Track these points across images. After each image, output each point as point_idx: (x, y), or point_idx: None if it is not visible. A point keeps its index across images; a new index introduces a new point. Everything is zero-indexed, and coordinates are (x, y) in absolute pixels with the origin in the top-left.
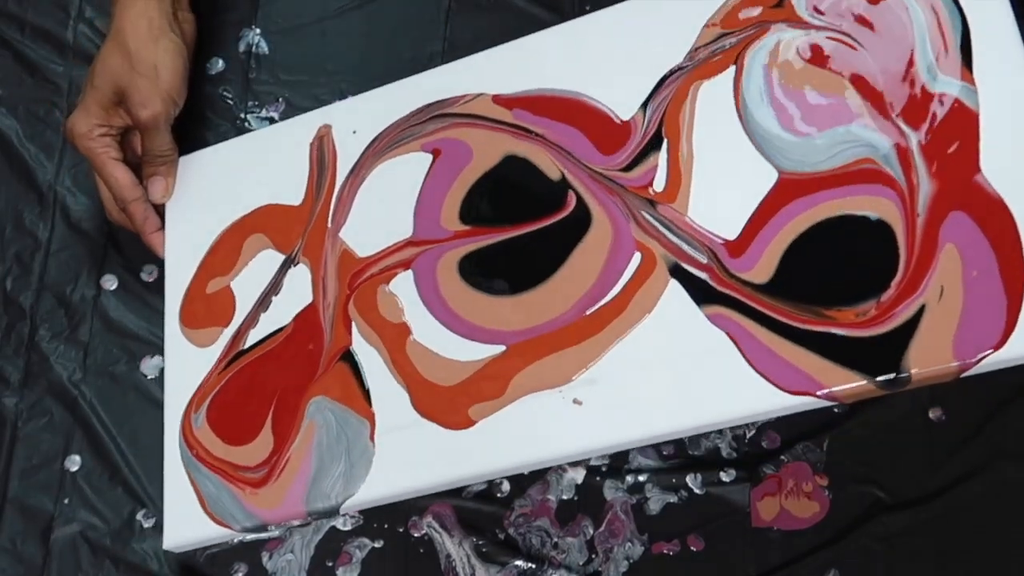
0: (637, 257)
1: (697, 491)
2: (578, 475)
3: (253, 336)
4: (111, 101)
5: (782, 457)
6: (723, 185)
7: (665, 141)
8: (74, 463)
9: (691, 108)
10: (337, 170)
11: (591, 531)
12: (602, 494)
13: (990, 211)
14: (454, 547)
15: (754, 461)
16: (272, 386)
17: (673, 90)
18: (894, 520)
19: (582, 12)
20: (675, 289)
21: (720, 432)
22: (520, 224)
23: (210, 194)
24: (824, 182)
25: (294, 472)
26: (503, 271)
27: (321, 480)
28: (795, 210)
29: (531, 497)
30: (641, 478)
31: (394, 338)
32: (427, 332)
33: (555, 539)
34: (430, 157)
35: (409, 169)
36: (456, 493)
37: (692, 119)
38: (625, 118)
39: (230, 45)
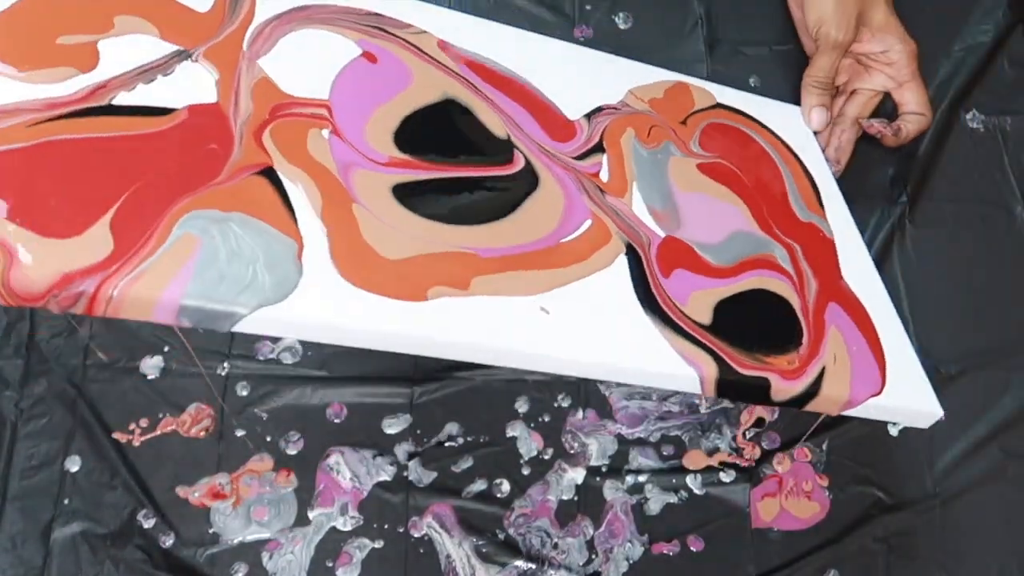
0: (588, 223)
1: (697, 491)
2: (578, 475)
3: (125, 99)
4: None
5: (782, 457)
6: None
7: (607, 151)
8: (74, 463)
9: (628, 142)
10: (256, 7)
11: (591, 531)
12: (602, 494)
13: (853, 306)
14: (454, 547)
15: (754, 461)
16: (131, 172)
17: (612, 118)
18: (894, 520)
19: (582, 12)
20: (626, 266)
21: (720, 432)
22: (463, 166)
23: None
24: (733, 271)
25: (168, 270)
26: (445, 207)
27: (207, 280)
28: (713, 284)
29: (531, 497)
30: (641, 478)
31: (331, 190)
32: (373, 206)
33: (555, 539)
34: (362, 59)
35: (342, 51)
36: (456, 493)
37: (630, 149)
38: (571, 118)
39: None
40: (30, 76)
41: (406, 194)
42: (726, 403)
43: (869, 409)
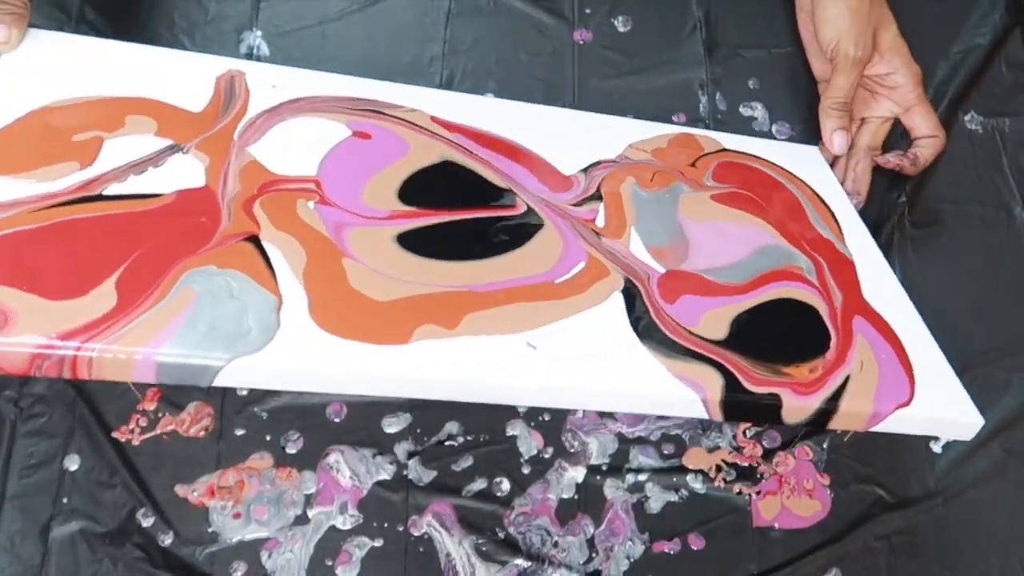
0: (583, 264)
1: (698, 490)
2: (578, 474)
3: (115, 189)
4: None
5: (783, 455)
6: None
7: (603, 199)
8: (73, 462)
9: (628, 187)
10: (249, 104)
11: (591, 530)
12: (603, 493)
13: (879, 321)
14: (454, 546)
15: (755, 460)
16: (129, 244)
17: (610, 170)
18: (895, 519)
19: (582, 15)
20: (621, 301)
21: (721, 431)
22: (468, 210)
23: (72, 73)
24: (752, 285)
25: (156, 326)
26: (449, 246)
27: (191, 335)
28: (729, 301)
29: (531, 496)
30: (642, 477)
31: (318, 248)
32: (371, 258)
33: (555, 538)
34: (353, 137)
35: (332, 133)
36: (456, 492)
37: (630, 195)
38: (567, 173)
39: (231, 47)
40: (29, 175)
41: (411, 240)
42: None
43: (901, 422)
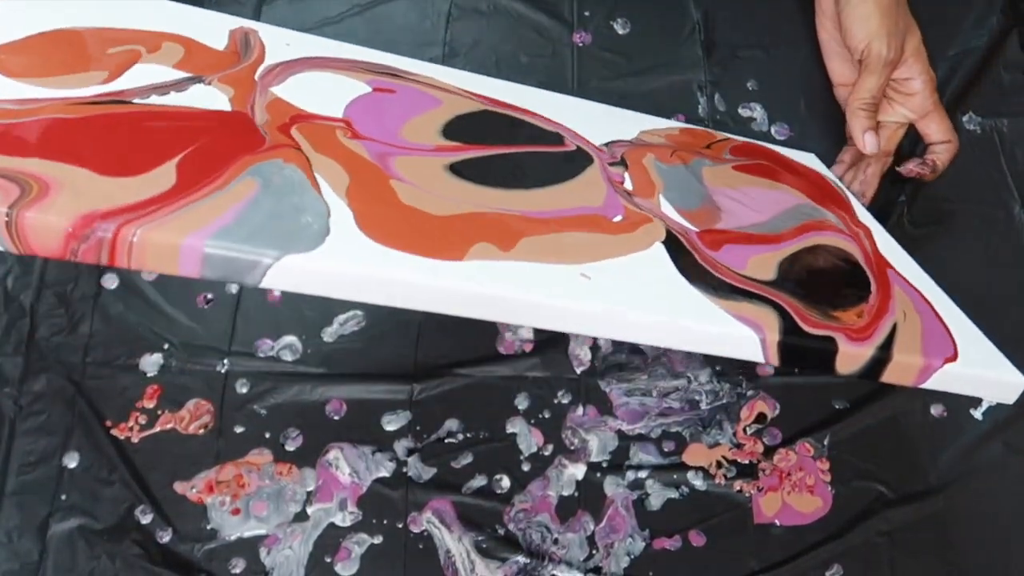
0: (621, 217)
1: (698, 487)
2: (579, 471)
3: (144, 100)
4: None
5: (784, 452)
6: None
7: (628, 167)
8: (72, 459)
9: (650, 160)
10: (266, 55)
11: (592, 527)
12: (603, 490)
13: (906, 280)
14: (454, 543)
15: (756, 457)
16: (185, 135)
17: (629, 147)
18: (896, 515)
19: (581, 17)
20: (664, 252)
21: (721, 428)
22: (518, 145)
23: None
24: (791, 234)
25: (210, 213)
26: (501, 175)
27: (244, 227)
28: (771, 248)
29: (531, 493)
30: (642, 474)
31: (362, 171)
32: (420, 182)
33: (555, 535)
34: (376, 92)
35: (356, 91)
36: (456, 489)
37: (653, 166)
38: (596, 143)
39: None
40: (55, 79)
41: (463, 168)
42: (726, 399)
43: (948, 379)
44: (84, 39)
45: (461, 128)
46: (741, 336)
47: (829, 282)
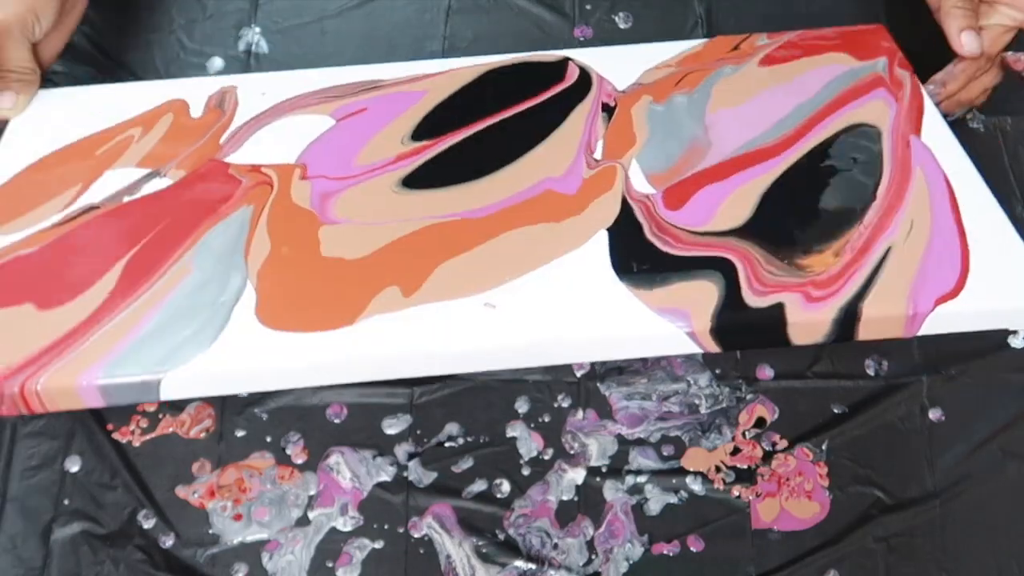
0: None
1: (697, 492)
2: (578, 476)
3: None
4: None
5: (783, 457)
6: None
7: (612, 119)
8: (74, 463)
9: (641, 107)
10: (235, 116)
11: (591, 532)
12: (602, 495)
13: (933, 161)
14: (454, 548)
15: (754, 462)
16: (141, 230)
17: (636, 87)
18: (894, 520)
19: (582, 11)
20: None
21: (720, 433)
22: (500, 111)
23: (70, 128)
24: (797, 134)
25: (102, 346)
26: (460, 169)
27: (131, 353)
28: (766, 168)
29: (531, 498)
30: (641, 479)
31: (291, 230)
32: (363, 211)
33: (555, 540)
34: (340, 122)
35: (319, 127)
36: (456, 494)
37: (643, 114)
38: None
39: (230, 44)
40: (29, 217)
41: (416, 177)
42: (725, 403)
43: (949, 321)
44: (69, 154)
45: (437, 118)
46: (664, 335)
47: (816, 207)
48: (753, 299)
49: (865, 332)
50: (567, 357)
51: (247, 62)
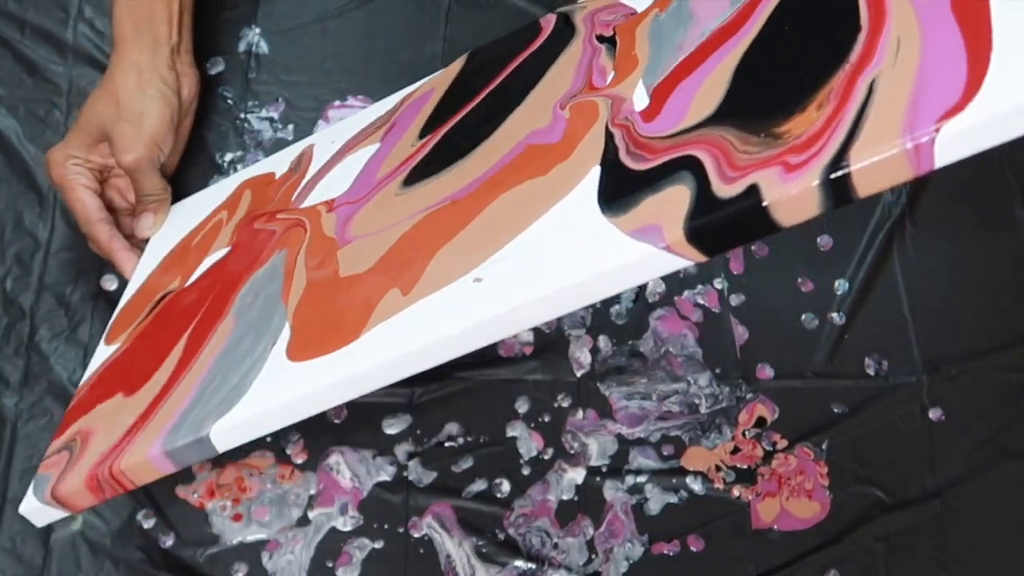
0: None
1: (697, 491)
2: (578, 475)
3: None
4: (93, 139)
5: (783, 456)
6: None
7: (617, 45)
8: None
9: (644, 25)
10: (308, 170)
11: (591, 531)
12: (602, 494)
13: None
14: (454, 547)
15: (754, 461)
16: (196, 305)
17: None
18: (894, 520)
19: None
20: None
21: (720, 432)
22: (494, 77)
23: (195, 219)
24: None
25: (161, 421)
26: (448, 153)
27: (184, 419)
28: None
29: (531, 497)
30: (641, 479)
31: (316, 266)
32: (371, 224)
33: (555, 539)
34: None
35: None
36: (456, 493)
37: (645, 33)
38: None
39: (230, 45)
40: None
41: (413, 174)
42: (725, 402)
43: (962, 142)
44: (172, 255)
45: (437, 113)
46: (641, 257)
47: (796, 61)
48: (724, 189)
49: (864, 186)
50: (554, 311)
51: (247, 63)
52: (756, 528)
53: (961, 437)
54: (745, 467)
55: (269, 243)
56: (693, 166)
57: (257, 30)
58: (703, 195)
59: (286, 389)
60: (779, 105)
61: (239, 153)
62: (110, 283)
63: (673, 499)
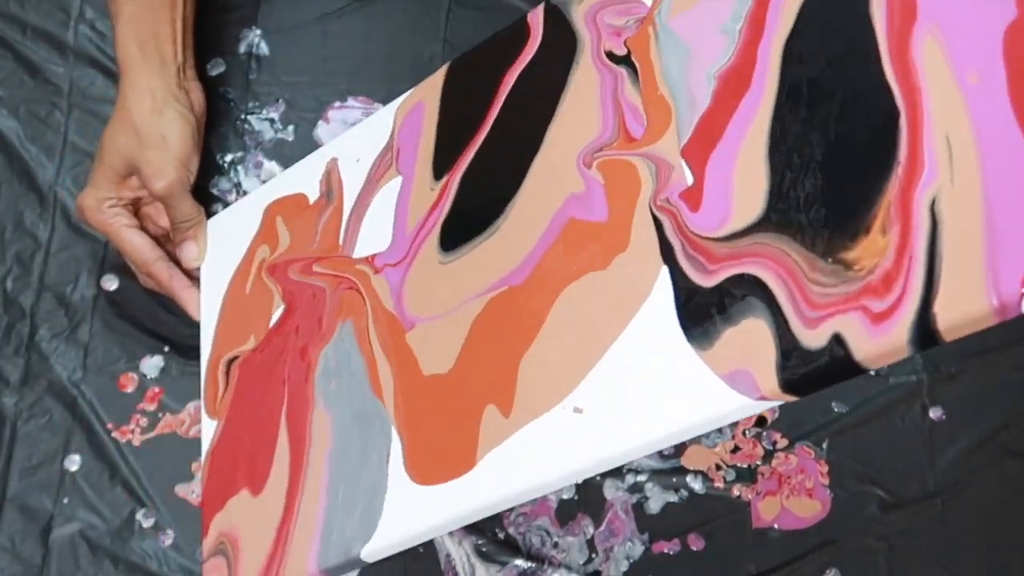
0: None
1: (697, 490)
2: None
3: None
4: (120, 175)
5: (783, 455)
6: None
7: (638, 66)
8: (73, 463)
9: (656, 27)
10: (343, 202)
11: (591, 530)
12: (602, 493)
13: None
14: (454, 546)
15: (755, 460)
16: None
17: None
18: (894, 519)
19: None
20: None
21: (720, 431)
22: (476, 129)
23: (239, 251)
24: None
25: (307, 521)
26: (478, 207)
27: (339, 523)
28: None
29: None
30: (641, 477)
31: (393, 348)
32: (423, 297)
33: (555, 538)
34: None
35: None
36: None
37: (657, 46)
38: None
39: (230, 46)
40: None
41: (448, 234)
42: None
43: None
44: (226, 306)
45: (445, 141)
46: (739, 407)
47: (827, 140)
48: (808, 335)
49: (949, 333)
50: (653, 450)
51: (248, 64)
52: (756, 527)
53: (961, 436)
54: (745, 466)
55: (326, 307)
56: (761, 289)
57: (257, 31)
58: (785, 338)
59: (421, 519)
60: (837, 218)
61: (240, 154)
62: (110, 283)
63: (673, 498)
